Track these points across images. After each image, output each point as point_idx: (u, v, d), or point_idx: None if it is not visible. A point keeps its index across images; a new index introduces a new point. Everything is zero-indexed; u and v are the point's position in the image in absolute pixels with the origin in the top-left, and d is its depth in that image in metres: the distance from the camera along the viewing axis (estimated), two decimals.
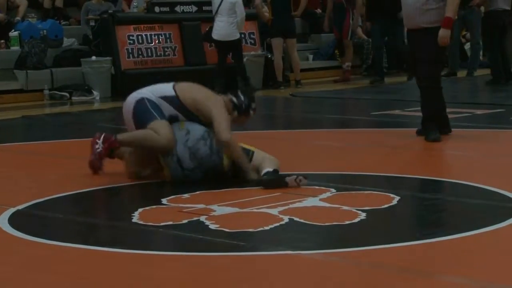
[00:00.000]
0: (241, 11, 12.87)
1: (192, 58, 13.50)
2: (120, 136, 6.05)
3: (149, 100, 6.10)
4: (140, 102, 6.10)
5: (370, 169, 6.57)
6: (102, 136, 6.01)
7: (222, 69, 13.01)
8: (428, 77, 7.90)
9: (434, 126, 7.82)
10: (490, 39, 13.41)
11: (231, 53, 13.19)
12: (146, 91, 6.20)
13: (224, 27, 12.76)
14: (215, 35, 12.85)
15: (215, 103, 6.14)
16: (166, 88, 6.20)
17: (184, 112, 6.11)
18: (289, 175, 5.79)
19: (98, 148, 5.96)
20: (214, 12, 12.87)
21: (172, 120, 6.08)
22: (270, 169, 5.88)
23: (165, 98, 6.12)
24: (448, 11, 7.70)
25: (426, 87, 7.91)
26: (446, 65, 15.73)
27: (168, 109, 6.10)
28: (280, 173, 5.90)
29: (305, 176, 5.80)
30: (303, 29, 16.39)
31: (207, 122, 6.09)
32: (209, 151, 5.98)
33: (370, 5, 14.24)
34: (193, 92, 6.21)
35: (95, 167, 6.03)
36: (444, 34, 7.69)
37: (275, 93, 13.43)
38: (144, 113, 6.06)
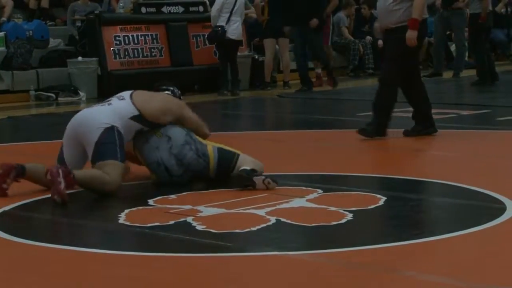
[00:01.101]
0: (243, 11, 13.07)
1: (178, 59, 13.49)
2: (78, 175, 5.68)
3: (119, 133, 5.84)
4: (110, 132, 5.81)
5: (356, 170, 6.59)
6: (61, 172, 5.56)
7: (226, 68, 13.17)
8: (387, 75, 7.99)
9: (385, 122, 7.90)
10: (476, 40, 13.47)
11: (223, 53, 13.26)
12: (114, 117, 5.87)
13: (239, 27, 13.00)
14: (233, 35, 12.99)
15: (178, 105, 6.17)
16: (128, 108, 5.96)
17: (148, 125, 6.01)
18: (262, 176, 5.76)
19: (61, 183, 5.51)
20: (229, 12, 12.98)
21: (138, 134, 6.00)
22: (248, 168, 5.84)
23: (133, 118, 5.94)
24: (414, 12, 7.78)
25: (383, 84, 8.00)
26: (430, 65, 15.81)
27: (135, 126, 5.96)
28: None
29: (275, 180, 5.75)
30: None
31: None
32: (196, 155, 5.97)
33: (283, 9, 13.36)
34: (152, 103, 6.05)
35: (64, 200, 5.57)
36: (410, 35, 7.75)
37: (262, 94, 13.44)
38: (108, 146, 5.77)
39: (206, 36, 13.50)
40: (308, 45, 13.52)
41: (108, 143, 5.78)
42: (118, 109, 5.94)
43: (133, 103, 5.99)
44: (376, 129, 7.90)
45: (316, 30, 13.25)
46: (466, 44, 14.98)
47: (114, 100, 6.07)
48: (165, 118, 6.04)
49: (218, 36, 13.00)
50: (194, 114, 6.21)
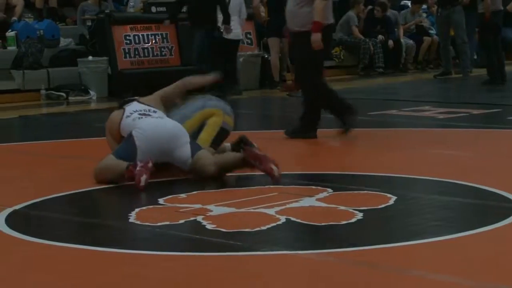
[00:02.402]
0: (244, 10, 12.95)
1: (188, 58, 13.48)
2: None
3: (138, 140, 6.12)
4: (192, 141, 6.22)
5: (366, 169, 6.58)
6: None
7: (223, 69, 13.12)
8: (302, 80, 8.04)
9: (312, 124, 7.97)
10: (486, 39, 13.44)
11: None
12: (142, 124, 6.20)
13: (235, 27, 12.87)
14: (230, 34, 12.93)
15: (159, 92, 6.73)
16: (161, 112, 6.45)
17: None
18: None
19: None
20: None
21: None
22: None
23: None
24: (315, 15, 7.75)
25: (303, 90, 8.05)
26: (441, 65, 15.78)
27: None
28: None
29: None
30: None
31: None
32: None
33: (189, 11, 12.87)
34: (157, 100, 6.60)
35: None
36: (314, 38, 7.73)
37: (272, 93, 13.43)
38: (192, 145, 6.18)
39: None
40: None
41: (194, 145, 6.22)
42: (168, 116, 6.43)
43: (154, 107, 6.46)
44: (305, 129, 7.96)
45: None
46: (467, 40, 14.93)
47: (153, 111, 6.36)
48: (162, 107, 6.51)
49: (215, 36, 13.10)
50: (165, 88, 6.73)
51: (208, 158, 6.09)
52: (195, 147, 6.17)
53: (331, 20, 8.07)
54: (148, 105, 6.43)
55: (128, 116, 6.27)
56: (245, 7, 13.10)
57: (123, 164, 5.93)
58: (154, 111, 6.34)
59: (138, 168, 5.82)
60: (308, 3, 7.84)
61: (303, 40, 7.82)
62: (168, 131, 6.17)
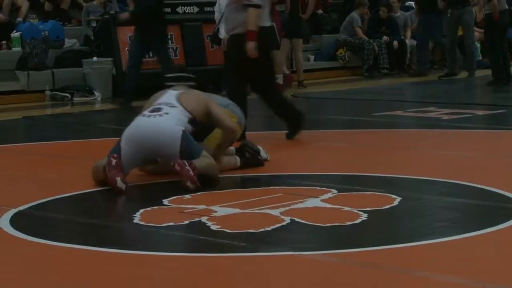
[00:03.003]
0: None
1: (193, 59, 13.50)
2: (196, 163, 5.91)
3: (188, 133, 6.12)
4: (184, 136, 6.04)
5: (371, 170, 6.57)
6: (186, 162, 5.83)
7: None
8: (230, 88, 7.99)
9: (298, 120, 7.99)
10: (492, 39, 13.43)
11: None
12: (180, 123, 6.10)
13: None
14: (222, 34, 12.90)
15: (207, 99, 6.41)
16: (183, 113, 6.20)
17: (197, 126, 6.26)
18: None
19: (190, 171, 5.79)
20: (221, 11, 12.94)
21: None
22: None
23: (189, 122, 6.19)
24: (249, 24, 7.69)
25: (229, 95, 8.04)
26: (446, 66, 15.76)
27: (190, 130, 6.18)
28: None
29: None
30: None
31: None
32: None
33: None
34: (195, 102, 6.30)
35: (198, 186, 5.81)
36: (249, 46, 7.69)
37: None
38: (192, 146, 6.03)
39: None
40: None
41: (190, 143, 6.02)
42: (177, 116, 6.13)
43: (185, 108, 6.20)
44: None
45: None
46: (476, 43, 14.97)
47: (165, 108, 6.18)
48: (204, 115, 6.29)
49: (216, 37, 13.11)
50: (220, 110, 6.38)
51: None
52: (194, 149, 6.03)
53: (269, 23, 7.97)
54: (169, 101, 6.25)
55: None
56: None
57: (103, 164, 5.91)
58: (166, 113, 6.14)
59: (108, 170, 5.79)
60: (240, 8, 7.75)
61: (233, 44, 7.80)
62: (152, 129, 6.03)
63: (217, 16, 12.84)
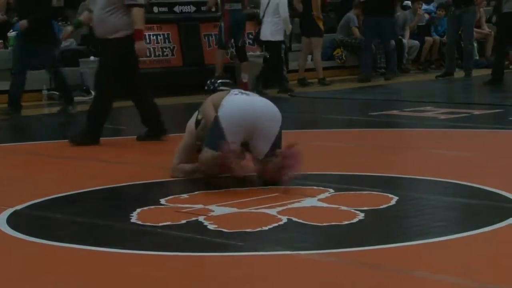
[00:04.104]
0: (284, 11, 13.01)
1: (190, 58, 13.50)
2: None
3: None
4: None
5: (368, 169, 6.58)
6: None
7: (281, 67, 13.40)
8: (100, 86, 8.05)
9: (98, 128, 7.99)
10: (504, 39, 13.38)
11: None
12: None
13: (268, 28, 13.07)
14: (261, 36, 13.25)
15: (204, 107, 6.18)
16: None
17: None
18: None
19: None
20: (261, 13, 13.19)
21: None
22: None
23: None
24: (136, 23, 7.71)
25: (97, 94, 8.09)
26: (443, 65, 15.76)
27: None
28: None
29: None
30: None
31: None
32: None
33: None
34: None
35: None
36: (140, 46, 7.73)
37: (273, 93, 13.42)
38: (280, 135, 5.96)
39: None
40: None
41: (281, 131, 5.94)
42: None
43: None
44: (88, 135, 7.96)
45: None
46: (475, 43, 14.96)
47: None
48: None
49: (258, 37, 13.52)
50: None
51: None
52: (276, 146, 5.84)
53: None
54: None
55: (235, 94, 6.00)
56: (285, 8, 13.09)
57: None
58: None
59: (227, 158, 5.55)
60: (117, 10, 7.77)
61: (111, 47, 7.79)
62: (263, 106, 5.90)
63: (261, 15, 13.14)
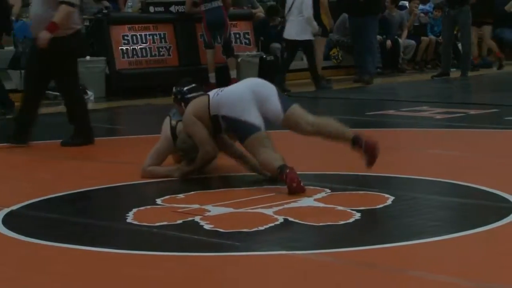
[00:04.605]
0: (307, 11, 13.00)
1: (186, 58, 13.49)
2: None
3: None
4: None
5: (364, 169, 6.57)
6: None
7: (285, 67, 13.52)
8: (27, 86, 8.11)
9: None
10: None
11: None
12: None
13: (293, 27, 13.08)
14: (285, 34, 13.29)
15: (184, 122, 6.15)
16: None
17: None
18: None
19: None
20: (286, 11, 13.25)
21: None
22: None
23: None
24: (56, 17, 7.66)
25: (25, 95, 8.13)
26: (439, 65, 15.77)
27: None
28: None
29: None
30: None
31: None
32: None
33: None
34: None
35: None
36: (43, 35, 7.68)
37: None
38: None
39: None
40: None
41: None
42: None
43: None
44: (79, 136, 7.98)
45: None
46: (472, 41, 14.96)
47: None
48: None
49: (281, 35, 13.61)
50: (199, 132, 5.96)
51: (304, 114, 6.06)
52: (285, 101, 6.06)
53: (79, 25, 8.01)
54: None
55: (217, 95, 6.01)
56: (309, 6, 13.06)
57: (278, 162, 5.71)
58: None
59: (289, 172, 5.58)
60: (53, 7, 7.71)
61: (50, 44, 7.72)
62: (248, 87, 5.97)
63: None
